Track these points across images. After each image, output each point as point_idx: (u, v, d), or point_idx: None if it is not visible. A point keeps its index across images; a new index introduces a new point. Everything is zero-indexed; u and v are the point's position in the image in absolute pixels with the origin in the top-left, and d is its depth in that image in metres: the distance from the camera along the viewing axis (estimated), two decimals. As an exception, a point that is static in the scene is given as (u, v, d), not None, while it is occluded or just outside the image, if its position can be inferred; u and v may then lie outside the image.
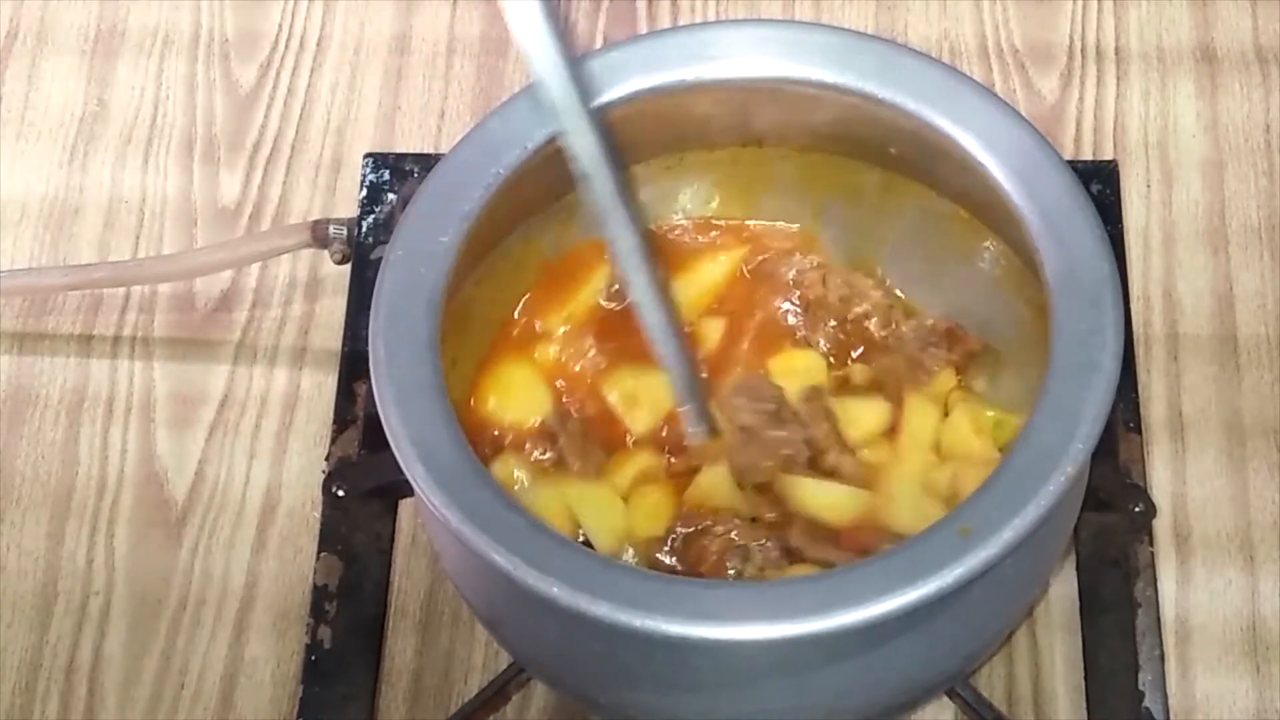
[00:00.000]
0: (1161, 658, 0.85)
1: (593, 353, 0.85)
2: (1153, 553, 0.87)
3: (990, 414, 0.82)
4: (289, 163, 1.04)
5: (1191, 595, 0.90)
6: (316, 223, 0.95)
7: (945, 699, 0.86)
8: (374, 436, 0.90)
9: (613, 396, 0.84)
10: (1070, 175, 0.78)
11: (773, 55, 0.82)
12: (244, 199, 1.03)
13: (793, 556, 0.79)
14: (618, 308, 0.86)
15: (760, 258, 0.88)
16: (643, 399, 0.84)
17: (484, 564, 0.71)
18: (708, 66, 0.82)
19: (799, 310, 0.86)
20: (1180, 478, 0.93)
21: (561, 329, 0.86)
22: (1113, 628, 0.86)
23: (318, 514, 0.91)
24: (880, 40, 0.83)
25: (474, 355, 0.85)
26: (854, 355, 0.85)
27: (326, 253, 0.95)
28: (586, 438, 0.83)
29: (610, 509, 0.81)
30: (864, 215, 0.88)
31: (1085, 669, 0.86)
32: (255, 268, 1.00)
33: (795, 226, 0.89)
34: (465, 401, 0.84)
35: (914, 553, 0.70)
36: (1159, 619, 0.86)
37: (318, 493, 0.91)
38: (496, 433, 0.83)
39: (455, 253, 0.79)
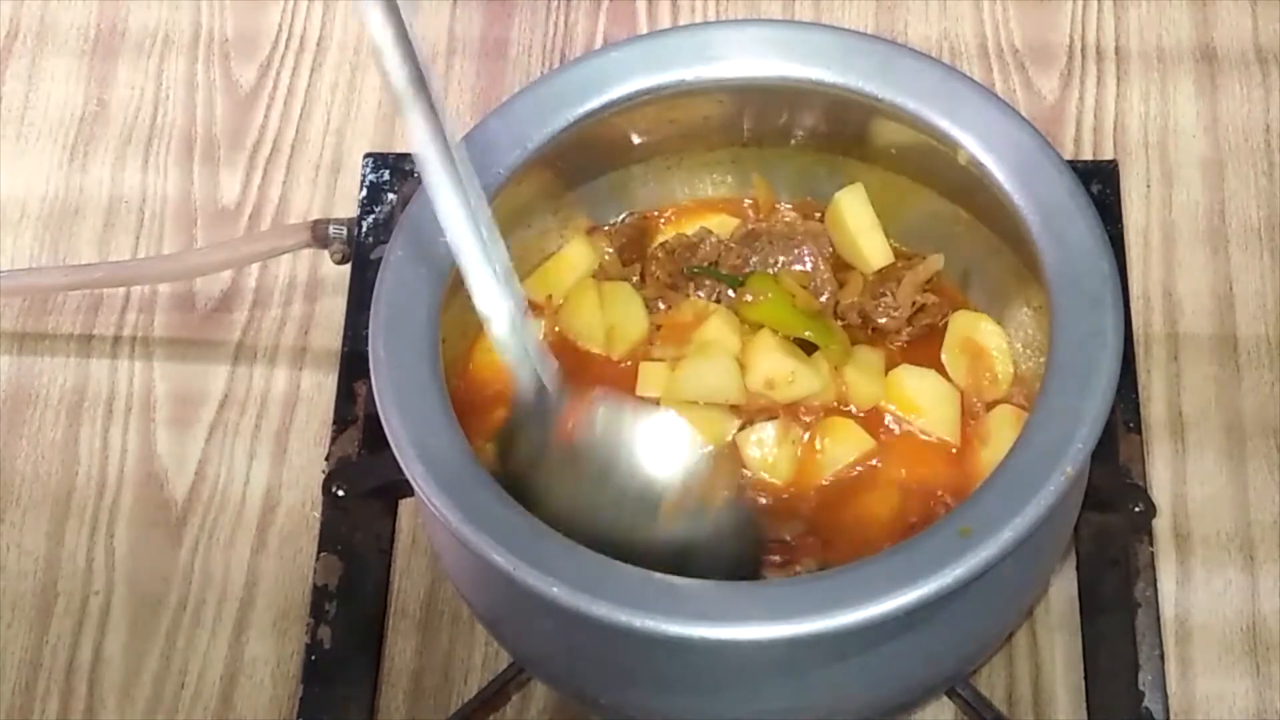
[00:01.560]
0: (1161, 658, 0.85)
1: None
2: (1153, 553, 0.87)
3: None
4: (289, 163, 1.04)
5: (1191, 595, 0.90)
6: (316, 223, 0.95)
7: (945, 699, 0.86)
8: (374, 436, 0.90)
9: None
10: (1070, 175, 0.78)
11: (773, 55, 0.82)
12: (244, 199, 1.03)
13: None
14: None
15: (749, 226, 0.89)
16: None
17: (484, 564, 0.71)
18: (708, 66, 0.82)
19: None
20: (1180, 478, 0.93)
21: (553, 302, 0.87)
22: (1113, 628, 0.85)
23: (318, 514, 0.91)
24: (880, 40, 0.83)
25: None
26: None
27: (326, 253, 0.95)
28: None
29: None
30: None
31: (1085, 669, 0.86)
32: (255, 268, 1.00)
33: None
34: (464, 364, 0.85)
35: (914, 553, 0.70)
36: (1159, 619, 0.86)
37: (318, 493, 0.91)
38: (494, 389, 0.84)
39: (455, 253, 0.79)
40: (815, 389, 0.82)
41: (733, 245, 0.87)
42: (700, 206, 0.90)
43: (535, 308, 0.86)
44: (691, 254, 0.87)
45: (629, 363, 0.85)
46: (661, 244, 0.88)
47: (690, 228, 0.89)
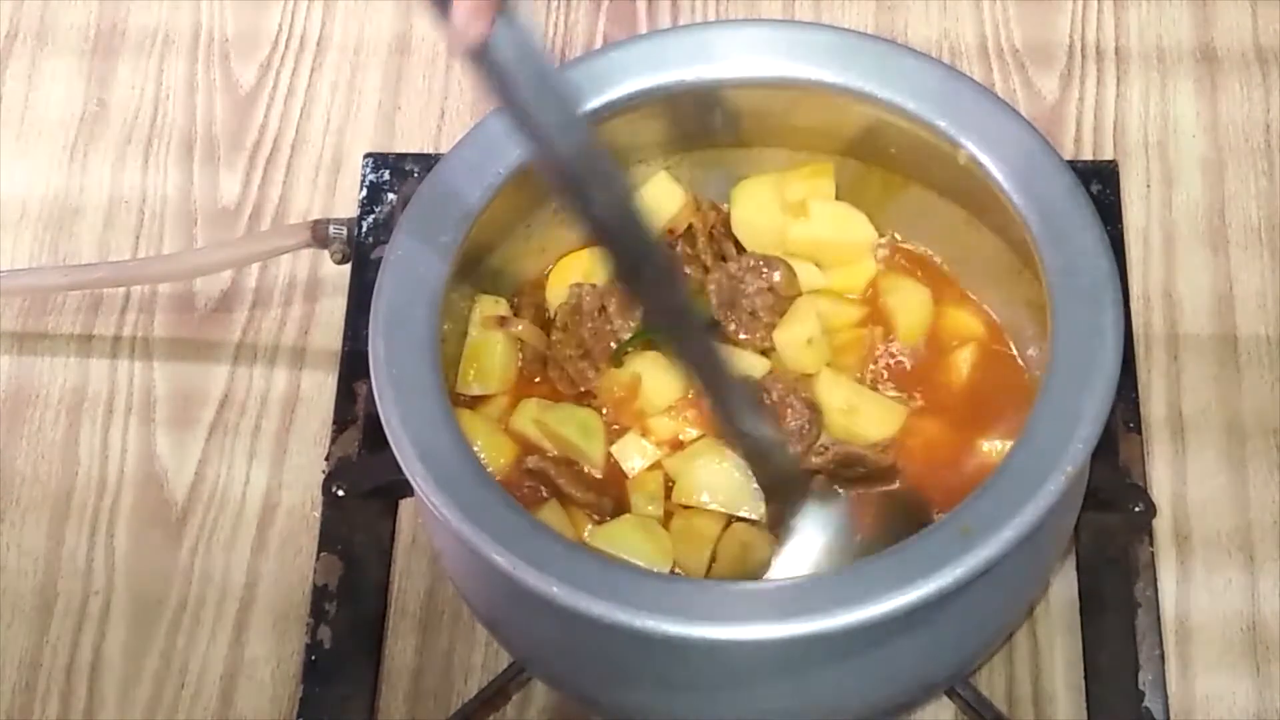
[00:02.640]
0: (1161, 658, 0.85)
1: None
2: (1153, 553, 0.87)
3: None
4: (289, 163, 1.04)
5: (1191, 595, 0.90)
6: (316, 223, 0.95)
7: (945, 699, 0.86)
8: (374, 436, 0.90)
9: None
10: (1070, 175, 0.78)
11: (773, 55, 0.82)
12: (244, 199, 1.03)
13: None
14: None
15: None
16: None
17: (484, 564, 0.71)
18: (708, 66, 0.82)
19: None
20: (1180, 478, 0.93)
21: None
22: (1113, 628, 0.86)
23: (318, 514, 0.91)
24: (880, 40, 0.83)
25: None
26: None
27: (326, 253, 0.95)
28: (577, 473, 0.83)
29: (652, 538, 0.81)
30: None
31: (1085, 669, 0.86)
32: (255, 268, 1.00)
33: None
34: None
35: (914, 552, 0.70)
36: (1159, 619, 0.86)
37: (318, 493, 0.91)
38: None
39: (455, 253, 0.79)
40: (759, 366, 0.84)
41: (612, 285, 0.86)
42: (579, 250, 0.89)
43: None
44: (579, 316, 0.86)
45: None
46: (552, 320, 0.87)
47: (569, 280, 0.88)
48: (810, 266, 0.87)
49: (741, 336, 0.85)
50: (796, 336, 0.84)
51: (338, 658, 0.87)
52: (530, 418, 0.84)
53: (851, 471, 0.82)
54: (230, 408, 0.97)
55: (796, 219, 0.86)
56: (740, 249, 0.87)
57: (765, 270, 0.86)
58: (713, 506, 0.81)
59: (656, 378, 0.84)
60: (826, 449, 0.82)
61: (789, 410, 0.83)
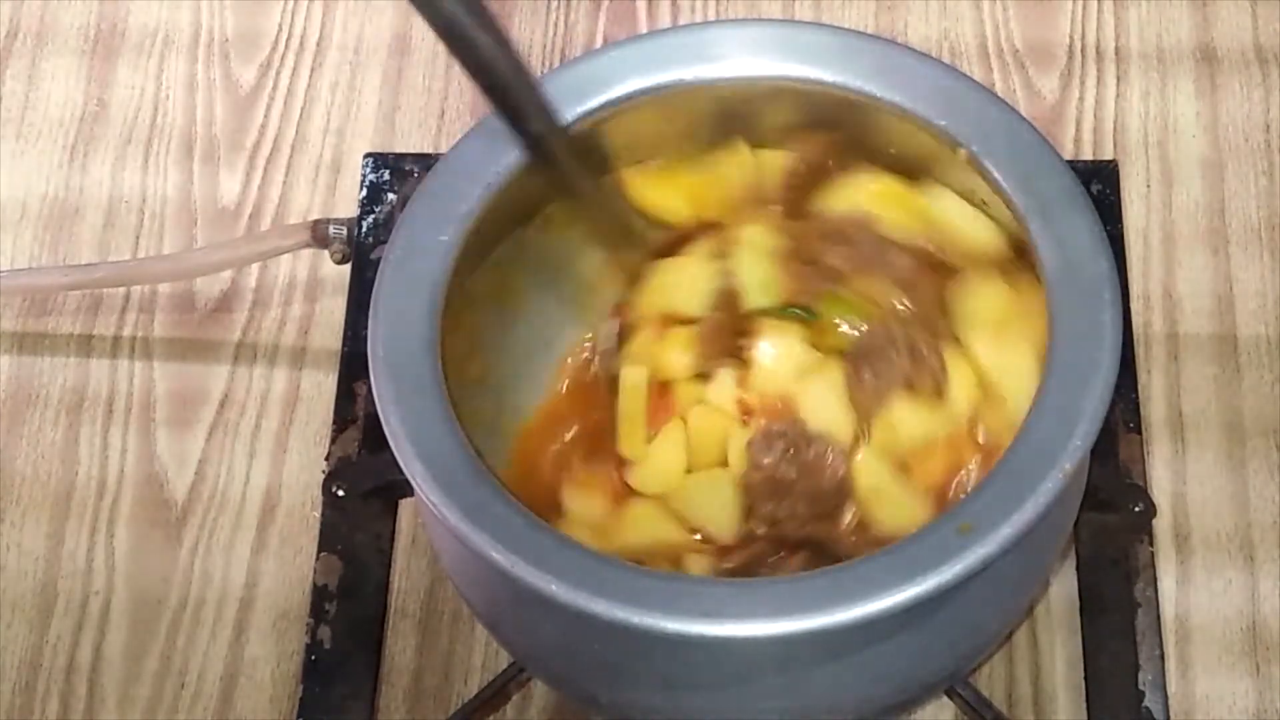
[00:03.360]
0: (1161, 658, 0.85)
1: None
2: (1153, 553, 0.88)
3: None
4: (289, 163, 1.04)
5: (1191, 595, 0.90)
6: (316, 223, 0.95)
7: (945, 699, 0.86)
8: (374, 436, 0.90)
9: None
10: (1070, 175, 0.78)
11: (773, 55, 0.82)
12: (244, 199, 1.03)
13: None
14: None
15: None
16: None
17: (483, 562, 0.71)
18: (708, 66, 0.82)
19: None
20: (1180, 478, 0.93)
21: None
22: (1113, 628, 0.86)
23: (318, 514, 0.91)
24: (880, 40, 0.83)
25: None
26: None
27: (326, 253, 0.96)
28: None
29: None
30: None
31: (1085, 669, 0.86)
32: (255, 268, 1.00)
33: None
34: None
35: (913, 549, 0.70)
36: (1159, 619, 0.86)
37: (318, 493, 0.91)
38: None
39: (455, 253, 0.79)
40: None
41: None
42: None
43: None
44: None
45: None
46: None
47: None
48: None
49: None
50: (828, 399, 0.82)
51: (338, 658, 0.87)
52: None
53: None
54: (230, 408, 0.97)
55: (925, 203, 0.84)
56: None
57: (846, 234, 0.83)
58: None
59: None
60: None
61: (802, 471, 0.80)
